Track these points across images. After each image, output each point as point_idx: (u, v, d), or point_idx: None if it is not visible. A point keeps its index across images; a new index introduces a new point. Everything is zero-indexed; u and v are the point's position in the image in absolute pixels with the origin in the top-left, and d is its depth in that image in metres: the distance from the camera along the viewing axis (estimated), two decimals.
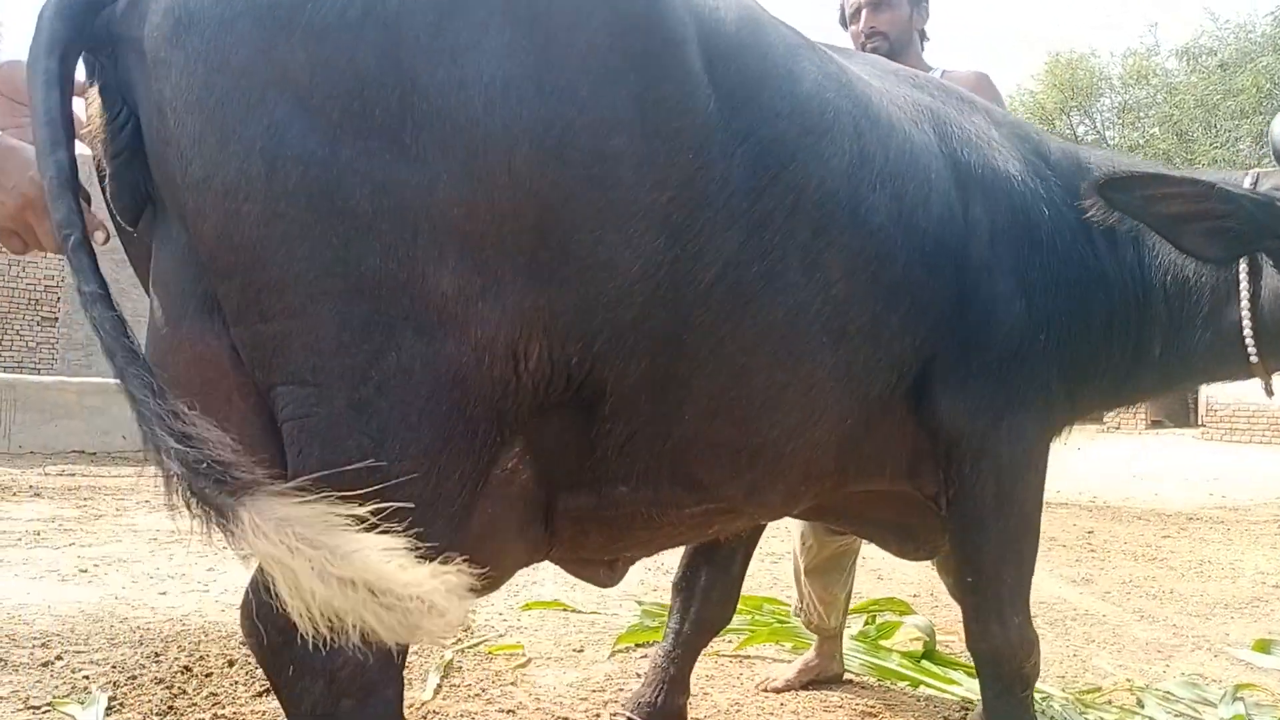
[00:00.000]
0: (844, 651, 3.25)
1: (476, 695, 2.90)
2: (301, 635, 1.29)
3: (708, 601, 2.50)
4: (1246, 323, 2.03)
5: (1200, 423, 15.79)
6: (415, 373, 1.28)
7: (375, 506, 1.30)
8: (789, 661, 3.32)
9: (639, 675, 3.16)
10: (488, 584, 1.63)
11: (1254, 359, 2.07)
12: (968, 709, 2.99)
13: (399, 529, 1.31)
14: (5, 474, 7.61)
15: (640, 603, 3.85)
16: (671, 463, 1.64)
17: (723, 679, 3.19)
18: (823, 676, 3.17)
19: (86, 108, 1.34)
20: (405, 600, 1.08)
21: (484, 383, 1.34)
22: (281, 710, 2.67)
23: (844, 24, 3.26)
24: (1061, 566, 5.67)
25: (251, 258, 1.24)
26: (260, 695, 2.78)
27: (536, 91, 1.32)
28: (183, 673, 2.93)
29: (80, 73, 1.35)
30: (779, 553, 4.92)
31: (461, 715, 2.73)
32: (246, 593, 1.37)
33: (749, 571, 2.63)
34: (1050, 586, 5.04)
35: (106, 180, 1.32)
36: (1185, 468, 11.59)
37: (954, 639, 3.75)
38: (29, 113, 1.31)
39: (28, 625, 3.39)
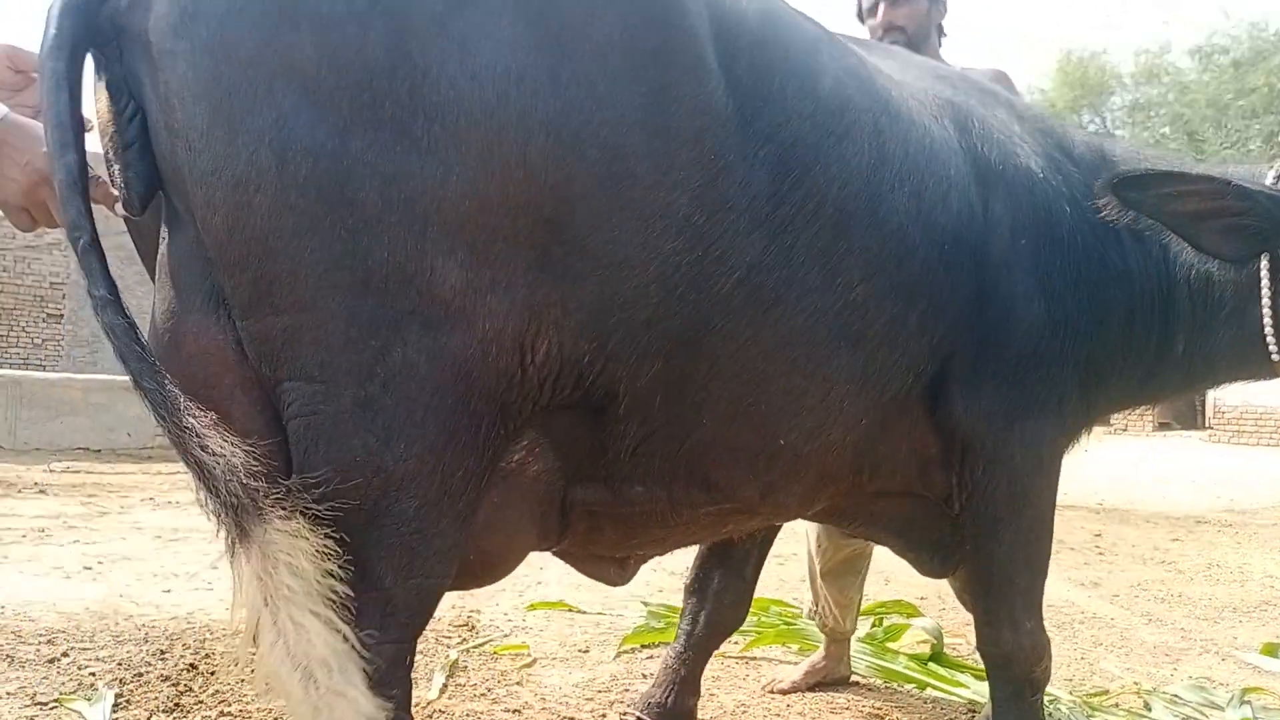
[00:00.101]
0: (851, 653, 3.24)
1: (482, 695, 2.90)
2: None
3: (720, 604, 2.49)
4: (1268, 321, 2.00)
5: (1208, 425, 15.73)
6: (421, 368, 1.28)
7: (379, 506, 1.30)
8: (795, 663, 3.31)
9: (645, 676, 3.16)
10: (497, 572, 1.63)
11: (1276, 358, 2.04)
12: (975, 712, 2.98)
13: (404, 526, 1.32)
14: (10, 470, 7.63)
15: (646, 604, 3.84)
16: (688, 463, 1.63)
17: (729, 680, 3.18)
18: (830, 678, 3.16)
19: (95, 102, 1.34)
20: (333, 704, 1.15)
21: (488, 376, 1.33)
22: (286, 709, 2.67)
23: (861, 18, 3.23)
24: (1069, 569, 5.64)
25: (261, 250, 1.23)
26: (266, 693, 2.77)
27: (552, 84, 1.30)
28: (189, 670, 2.93)
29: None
30: (784, 554, 4.90)
31: (467, 715, 2.72)
32: None
33: None
34: (1058, 589, 5.02)
35: (114, 173, 1.31)
36: (1193, 470, 11.53)
37: (961, 641, 3.73)
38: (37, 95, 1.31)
39: (34, 622, 3.39)
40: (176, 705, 2.65)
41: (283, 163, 1.20)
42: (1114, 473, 10.76)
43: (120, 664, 2.97)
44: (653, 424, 1.54)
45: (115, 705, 2.62)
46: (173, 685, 2.80)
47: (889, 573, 5.03)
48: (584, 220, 1.35)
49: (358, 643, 1.27)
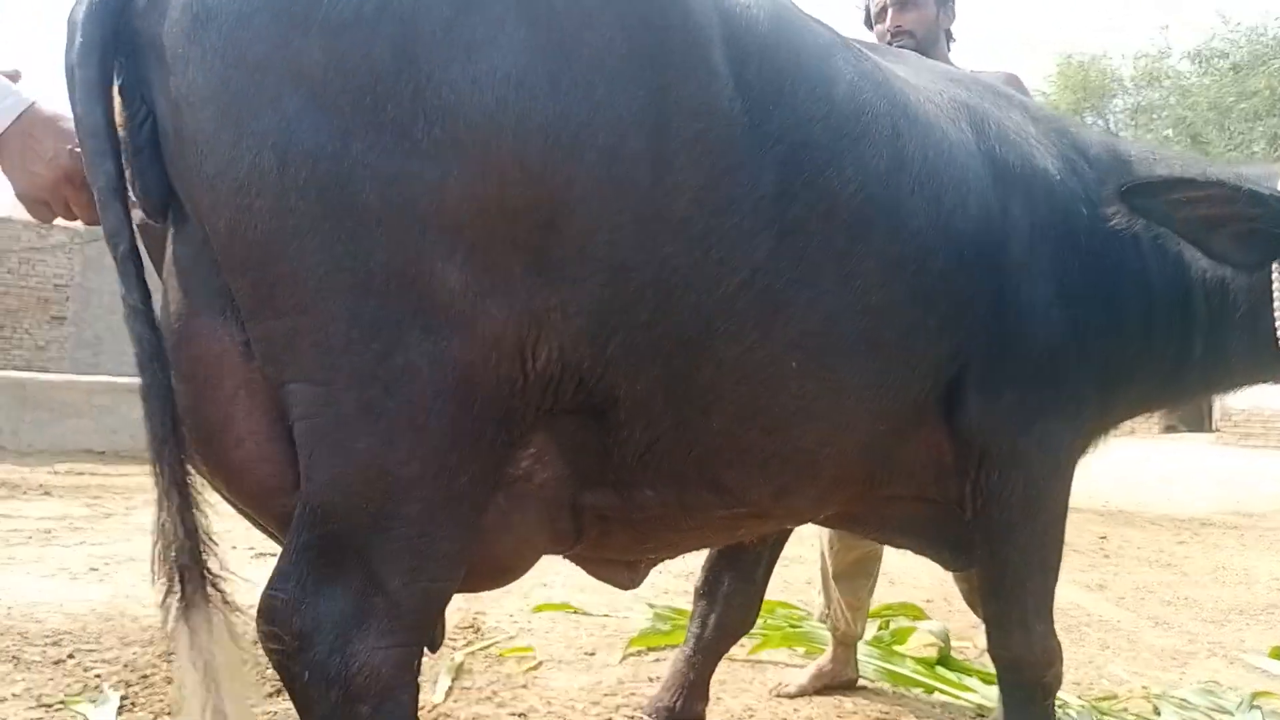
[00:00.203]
0: (858, 657, 3.23)
1: (488, 698, 2.89)
2: (318, 640, 1.29)
3: (730, 607, 2.48)
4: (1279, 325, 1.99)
5: (1215, 427, 15.68)
6: (423, 372, 1.28)
7: (384, 509, 1.30)
8: (802, 667, 3.30)
9: (651, 679, 3.15)
10: (508, 575, 1.63)
11: None
12: (983, 715, 2.97)
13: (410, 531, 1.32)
14: (15, 472, 7.63)
15: (652, 606, 3.83)
16: (698, 467, 1.61)
17: (735, 684, 3.17)
18: (836, 682, 3.15)
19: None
20: None
21: (491, 382, 1.33)
22: (293, 711, 2.67)
23: (869, 24, 3.22)
24: (1076, 572, 5.63)
25: (264, 252, 1.24)
26: (272, 695, 2.76)
27: (551, 89, 1.30)
28: None
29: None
30: (789, 557, 4.87)
31: (473, 718, 2.72)
32: (263, 596, 1.37)
33: None
34: (1064, 592, 4.98)
35: (129, 177, 1.32)
36: (1199, 473, 11.49)
37: (968, 645, 3.72)
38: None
39: (39, 623, 3.39)
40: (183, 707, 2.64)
41: (284, 165, 1.21)
42: (1120, 475, 10.72)
43: (126, 666, 2.96)
44: (659, 427, 1.53)
45: (121, 707, 2.61)
46: (179, 687, 2.79)
47: (894, 575, 5.02)
48: (582, 224, 1.35)
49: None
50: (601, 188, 1.35)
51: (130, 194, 1.33)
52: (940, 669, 3.29)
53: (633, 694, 3.00)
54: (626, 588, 2.00)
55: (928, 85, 1.97)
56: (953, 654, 3.39)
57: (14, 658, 2.99)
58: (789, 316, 1.55)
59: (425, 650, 1.47)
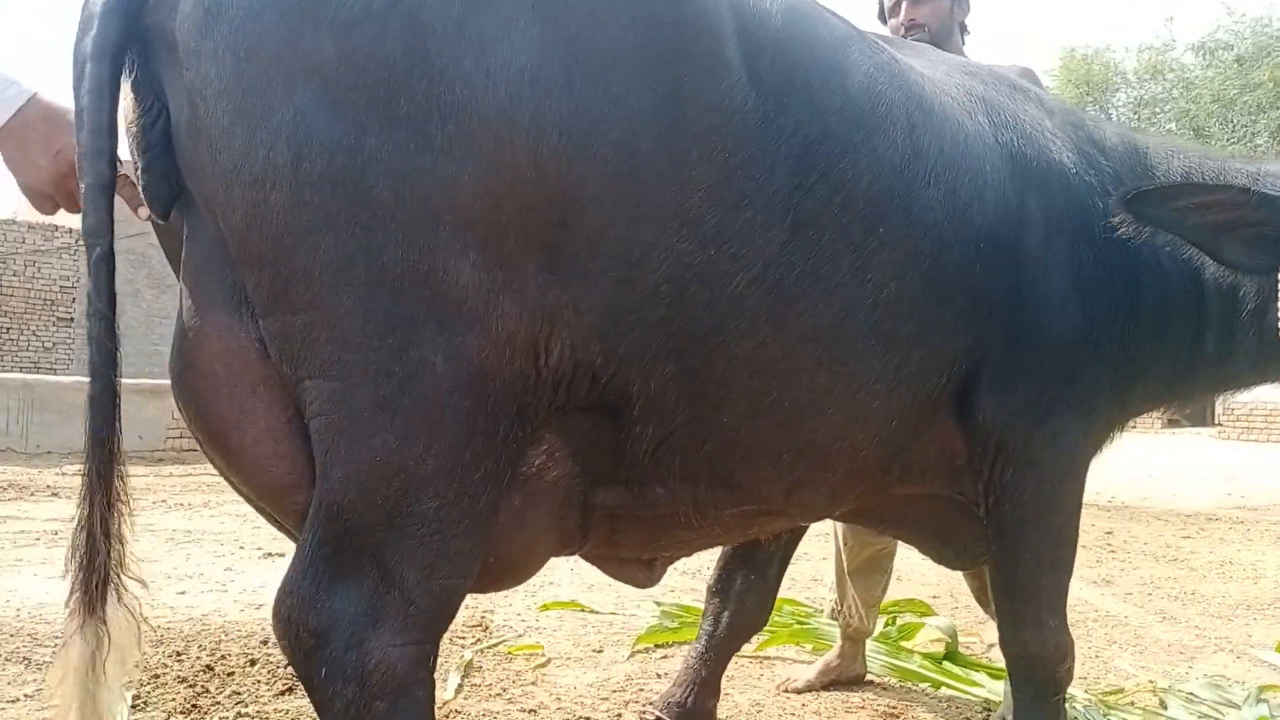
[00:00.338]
0: (866, 652, 3.23)
1: (497, 695, 2.90)
2: (334, 638, 1.30)
3: (743, 606, 2.48)
4: None
5: (1218, 422, 15.66)
6: (437, 367, 1.28)
7: (399, 506, 1.31)
8: (809, 662, 3.31)
9: (659, 676, 3.16)
10: (519, 574, 1.63)
11: None
12: (990, 711, 2.97)
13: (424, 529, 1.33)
14: (23, 474, 7.67)
15: (659, 604, 3.84)
16: (710, 464, 1.61)
17: (743, 680, 3.17)
18: (844, 677, 3.15)
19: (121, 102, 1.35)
20: None
21: (504, 378, 1.34)
22: (304, 709, 2.68)
23: (882, 18, 3.20)
24: (1082, 567, 5.61)
25: (279, 247, 1.25)
26: (283, 694, 2.78)
27: (565, 85, 1.31)
28: (205, 671, 2.94)
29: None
30: (794, 553, 4.90)
31: (483, 715, 2.73)
32: (279, 594, 1.37)
33: None
34: (1071, 587, 4.98)
35: (140, 173, 1.33)
36: (1203, 467, 11.48)
37: (975, 640, 3.73)
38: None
39: (49, 624, 3.40)
40: (194, 706, 2.66)
41: (298, 160, 1.22)
42: (1124, 470, 10.72)
43: (136, 665, 2.97)
44: (671, 424, 1.53)
45: (132, 707, 2.62)
46: (189, 687, 2.81)
47: (901, 571, 5.01)
48: (595, 220, 1.35)
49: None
50: (615, 184, 1.35)
51: (138, 193, 1.34)
52: (947, 664, 3.29)
53: (641, 690, 3.00)
54: (644, 586, 2.00)
55: (943, 78, 1.96)
56: (960, 649, 3.40)
57: (24, 659, 3.01)
58: (803, 311, 1.55)
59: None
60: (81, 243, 1.36)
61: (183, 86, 1.26)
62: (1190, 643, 4.00)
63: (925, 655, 3.35)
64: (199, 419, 1.39)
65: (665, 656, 3.41)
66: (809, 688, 3.09)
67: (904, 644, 3.48)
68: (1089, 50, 25.72)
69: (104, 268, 1.31)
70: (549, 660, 3.28)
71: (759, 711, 2.90)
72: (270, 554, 4.91)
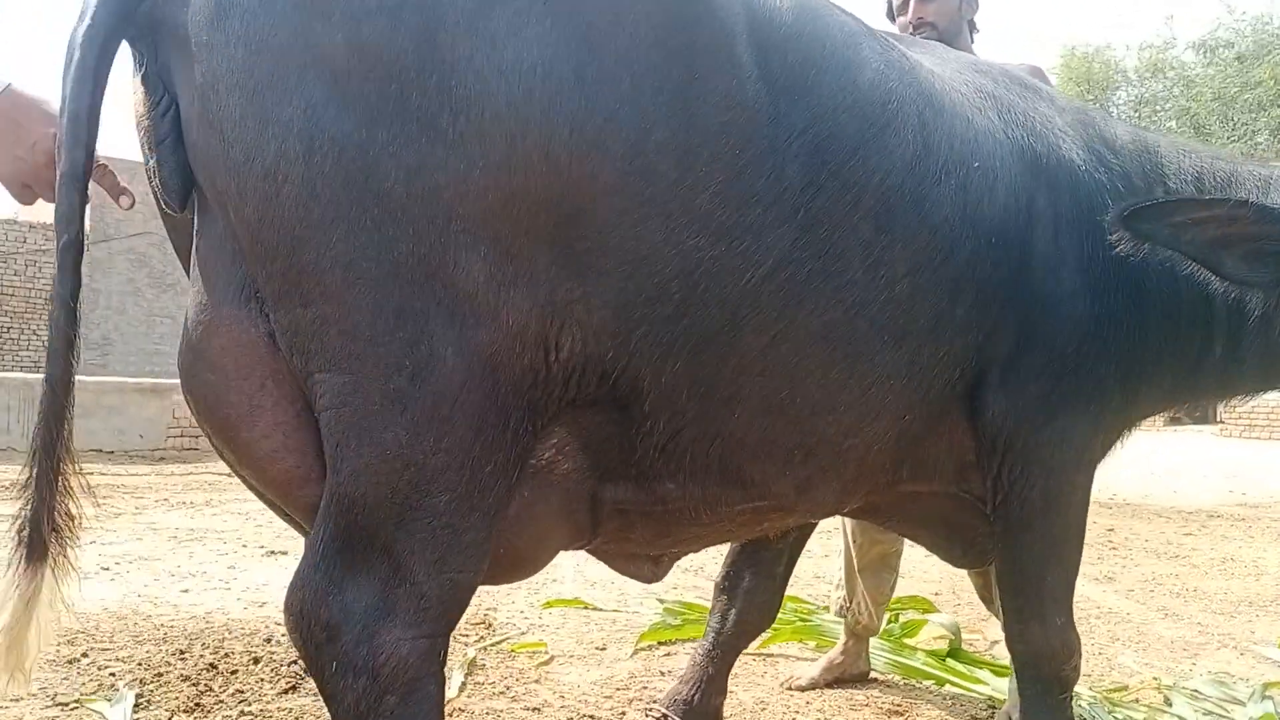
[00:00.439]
0: (869, 650, 3.23)
1: (501, 693, 2.90)
2: (345, 631, 1.30)
3: (750, 604, 2.47)
4: None
5: (1219, 419, 15.66)
6: (448, 361, 1.29)
7: (410, 500, 1.31)
8: (812, 660, 3.31)
9: (663, 673, 3.16)
10: (528, 568, 1.63)
11: None
12: (994, 708, 2.97)
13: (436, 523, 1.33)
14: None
15: (662, 601, 3.84)
16: (720, 460, 1.61)
17: (746, 677, 3.17)
18: (848, 675, 3.15)
19: (132, 96, 1.36)
20: None
21: (515, 372, 1.34)
22: (308, 707, 2.68)
23: (891, 16, 3.19)
24: (1083, 564, 5.57)
25: (290, 240, 1.25)
26: (286, 692, 2.78)
27: (577, 81, 1.31)
28: (208, 670, 2.94)
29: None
30: None
31: (487, 713, 2.72)
32: (290, 588, 1.37)
33: None
34: None
35: (152, 166, 1.33)
36: (1205, 464, 11.48)
37: (978, 637, 3.73)
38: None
39: None
40: (197, 705, 2.66)
41: (310, 152, 1.22)
42: (1126, 467, 10.72)
43: (140, 664, 2.98)
44: (682, 420, 1.53)
45: (136, 705, 2.63)
46: (193, 685, 2.81)
47: (902, 568, 5.00)
48: (606, 216, 1.36)
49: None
50: (626, 180, 1.35)
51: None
52: (951, 661, 3.30)
53: (645, 688, 3.00)
54: (650, 581, 2.00)
55: (954, 75, 1.96)
56: (963, 646, 3.40)
57: None
58: (814, 307, 1.55)
59: None
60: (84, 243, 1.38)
61: (194, 79, 1.26)
62: (1193, 639, 4.00)
63: (929, 652, 3.35)
64: (209, 413, 1.39)
65: (669, 654, 3.41)
66: (813, 685, 3.09)
67: (907, 641, 3.48)
68: (1090, 48, 25.71)
69: (70, 254, 1.33)
70: (552, 658, 3.28)
71: (763, 709, 2.90)
72: (273, 552, 4.91)
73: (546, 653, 3.32)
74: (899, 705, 2.98)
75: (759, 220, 1.47)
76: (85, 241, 1.41)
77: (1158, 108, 24.65)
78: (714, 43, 1.43)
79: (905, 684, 3.21)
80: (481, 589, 1.48)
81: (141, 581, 4.16)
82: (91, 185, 1.38)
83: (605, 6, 1.35)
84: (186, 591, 4.01)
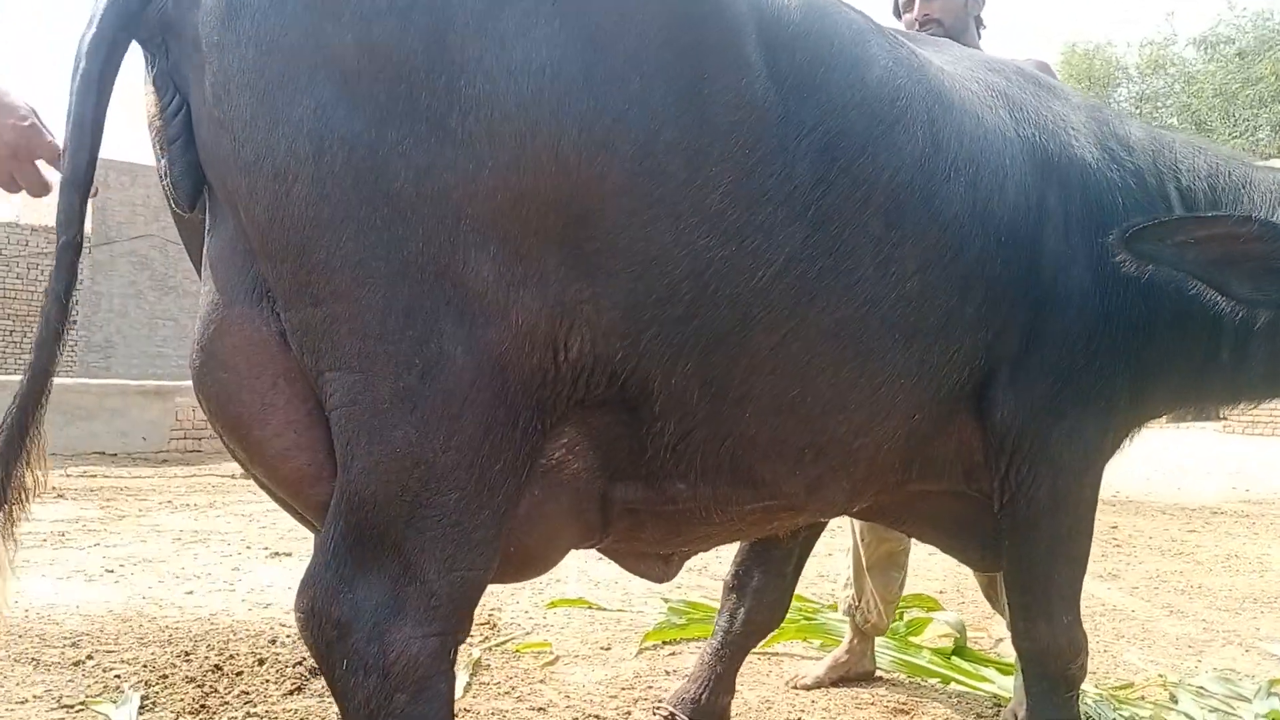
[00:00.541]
0: (874, 649, 3.23)
1: (506, 693, 2.90)
2: (356, 629, 1.30)
3: (759, 603, 2.47)
4: None
5: (1223, 416, 15.63)
6: (457, 360, 1.29)
7: (420, 498, 1.31)
8: (817, 659, 3.31)
9: (668, 673, 3.16)
10: (538, 566, 1.63)
11: None
12: (1000, 706, 2.97)
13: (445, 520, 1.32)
14: (27, 475, 7.65)
15: (666, 600, 3.84)
16: (731, 460, 1.61)
17: (751, 676, 3.17)
18: (853, 673, 3.15)
19: (143, 97, 1.37)
20: None
21: (524, 371, 1.34)
22: (313, 709, 2.68)
23: (897, 13, 3.18)
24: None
25: (301, 240, 1.26)
26: (291, 693, 2.78)
27: (586, 81, 1.31)
28: (213, 671, 2.94)
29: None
30: None
31: (493, 713, 2.72)
32: (301, 586, 1.38)
33: None
34: None
35: (163, 167, 1.34)
36: (1208, 461, 11.47)
37: (983, 635, 3.73)
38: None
39: (57, 625, 3.41)
40: (202, 706, 2.66)
41: (320, 152, 1.23)
42: (1128, 464, 10.70)
43: (145, 666, 2.98)
44: (692, 420, 1.53)
45: (141, 707, 2.63)
46: (198, 686, 2.81)
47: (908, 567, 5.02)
48: (616, 217, 1.36)
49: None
50: (635, 181, 1.35)
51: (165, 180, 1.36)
52: (956, 659, 3.29)
53: (650, 687, 3.00)
54: (661, 581, 2.00)
55: (965, 73, 1.96)
56: (968, 644, 3.39)
57: (33, 660, 3.01)
58: (825, 306, 1.55)
59: None
60: (86, 247, 1.41)
61: (205, 80, 1.27)
62: (1198, 636, 3.99)
63: (934, 651, 3.35)
64: (220, 411, 1.40)
65: (673, 653, 3.41)
66: (818, 684, 3.09)
67: (912, 639, 3.48)
68: (1091, 45, 25.70)
69: (68, 254, 1.37)
70: (557, 658, 3.28)
71: (768, 708, 2.90)
72: (277, 553, 4.92)
73: (551, 653, 3.32)
74: (904, 704, 2.98)
75: (769, 219, 1.47)
76: (87, 244, 1.43)
77: (1159, 104, 24.63)
78: (722, 42, 1.43)
79: (910, 682, 3.21)
80: (485, 589, 1.48)
81: (146, 583, 4.16)
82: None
83: (613, 7, 1.36)
84: (191, 593, 4.02)
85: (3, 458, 1.38)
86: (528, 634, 3.54)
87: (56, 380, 1.45)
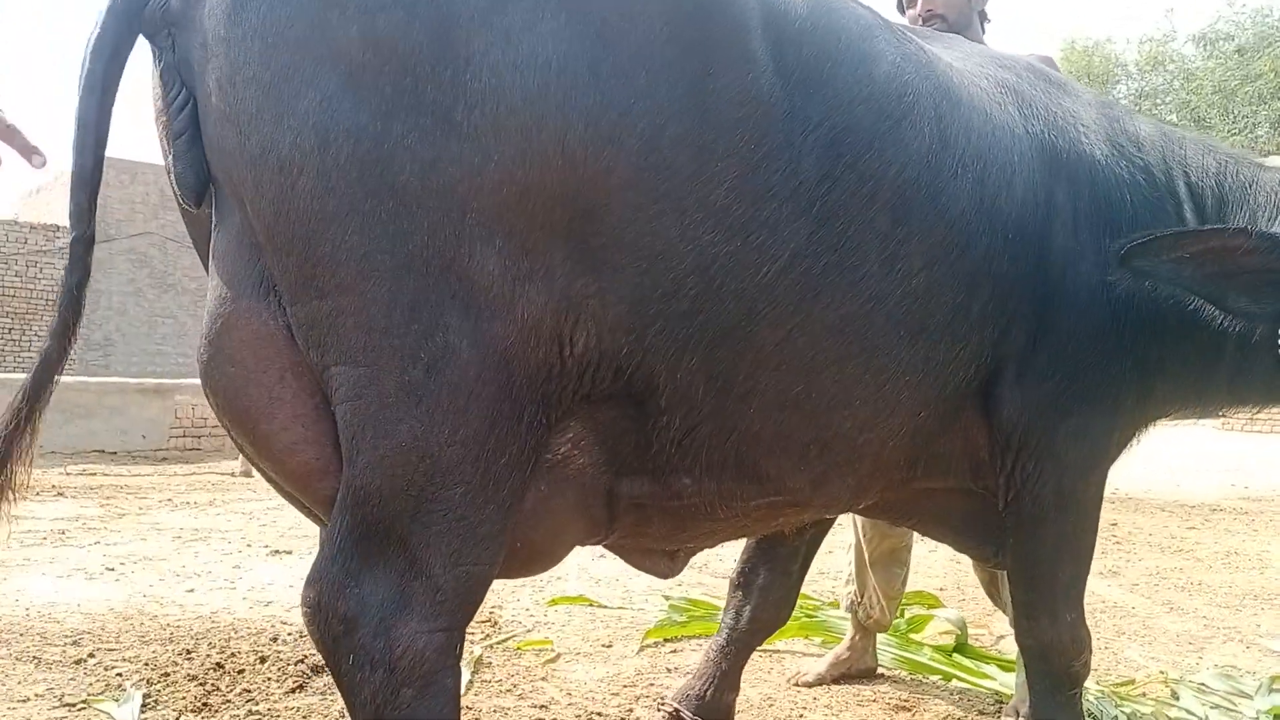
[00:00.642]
0: (876, 646, 3.23)
1: (508, 691, 2.90)
2: (362, 624, 1.30)
3: (765, 601, 2.46)
4: None
5: (1219, 413, 15.62)
6: (463, 354, 1.29)
7: (425, 492, 1.31)
8: (818, 656, 3.31)
9: (670, 670, 3.16)
10: (544, 561, 1.63)
11: None
12: (1001, 703, 2.97)
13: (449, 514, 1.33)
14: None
15: (667, 597, 3.84)
16: (736, 455, 1.61)
17: (753, 674, 3.16)
18: (855, 671, 3.15)
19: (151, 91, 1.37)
20: None
21: (529, 366, 1.34)
22: (315, 706, 2.68)
23: (900, 9, 3.17)
24: None
25: (306, 233, 1.26)
26: (293, 691, 2.78)
27: (592, 75, 1.31)
28: (215, 669, 2.94)
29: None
30: None
31: (494, 711, 2.72)
32: (307, 581, 1.38)
33: None
34: None
35: (170, 161, 1.34)
36: (1207, 458, 11.48)
37: (984, 632, 3.73)
38: None
39: (58, 623, 3.40)
40: (205, 705, 2.66)
41: (325, 145, 1.23)
42: (1127, 461, 10.70)
43: (147, 664, 2.98)
44: (698, 415, 1.53)
45: (143, 705, 2.63)
46: (200, 684, 2.80)
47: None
48: (622, 212, 1.36)
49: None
50: (641, 175, 1.35)
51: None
52: (958, 656, 3.29)
53: (652, 685, 3.00)
54: (666, 577, 2.00)
55: (974, 68, 1.95)
56: (970, 642, 3.40)
57: (35, 658, 3.01)
58: (830, 302, 1.55)
59: None
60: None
61: (211, 74, 1.27)
62: (1199, 633, 4.00)
63: (935, 648, 3.35)
64: (228, 406, 1.40)
65: (675, 651, 3.41)
66: (820, 681, 3.09)
67: (914, 636, 3.48)
68: (1090, 42, 25.67)
69: (79, 248, 1.41)
70: (558, 655, 3.28)
71: (770, 705, 2.90)
72: (277, 551, 4.91)
73: (553, 650, 3.32)
74: (906, 700, 2.98)
75: (775, 214, 1.47)
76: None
77: (1158, 101, 24.60)
78: (729, 37, 1.43)
79: (912, 679, 3.21)
80: (491, 584, 1.48)
81: (147, 581, 4.16)
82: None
83: (619, 2, 1.35)
84: (192, 591, 4.01)
85: (6, 438, 1.42)
86: (529, 631, 3.54)
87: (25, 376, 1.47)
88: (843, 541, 3.35)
